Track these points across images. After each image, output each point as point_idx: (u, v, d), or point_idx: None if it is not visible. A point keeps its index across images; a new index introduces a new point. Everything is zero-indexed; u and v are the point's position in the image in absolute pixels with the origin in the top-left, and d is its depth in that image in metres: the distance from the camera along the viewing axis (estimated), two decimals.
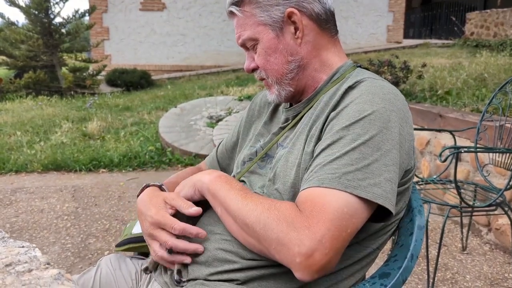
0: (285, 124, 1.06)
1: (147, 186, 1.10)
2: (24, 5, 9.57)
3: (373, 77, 0.95)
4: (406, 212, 1.03)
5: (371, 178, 0.82)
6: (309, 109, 1.00)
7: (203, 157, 4.62)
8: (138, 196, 1.09)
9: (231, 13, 1.03)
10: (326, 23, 1.01)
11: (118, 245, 1.19)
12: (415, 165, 0.97)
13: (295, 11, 0.97)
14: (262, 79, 1.05)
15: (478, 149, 2.54)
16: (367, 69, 1.07)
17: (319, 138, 0.91)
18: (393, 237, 1.16)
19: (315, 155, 0.88)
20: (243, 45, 1.04)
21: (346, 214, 0.79)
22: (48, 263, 0.68)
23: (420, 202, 1.06)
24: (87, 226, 3.25)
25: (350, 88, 0.93)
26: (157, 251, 0.96)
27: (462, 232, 2.86)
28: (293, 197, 0.92)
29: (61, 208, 3.60)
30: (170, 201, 0.98)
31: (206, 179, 0.98)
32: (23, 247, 0.73)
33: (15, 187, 4.17)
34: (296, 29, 0.98)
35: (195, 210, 0.95)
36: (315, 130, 0.93)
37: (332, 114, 0.90)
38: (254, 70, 1.05)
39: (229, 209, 0.90)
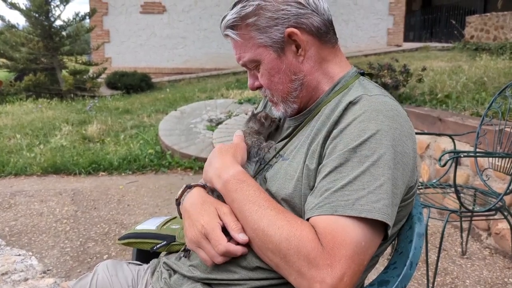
0: (287, 132, 1.06)
1: (189, 186, 1.04)
2: (24, 8, 9.59)
3: (375, 93, 0.93)
4: (406, 220, 1.03)
5: (385, 198, 0.82)
6: (311, 120, 0.99)
7: (203, 160, 4.61)
8: (177, 199, 1.03)
9: (228, 36, 1.01)
10: (326, 34, 0.99)
11: (119, 238, 1.21)
12: (418, 180, 0.96)
13: (295, 30, 0.95)
14: (266, 96, 1.06)
15: (477, 154, 2.53)
16: (370, 74, 1.06)
17: (321, 155, 0.90)
18: (393, 243, 1.16)
19: (321, 176, 0.87)
20: (244, 65, 1.03)
21: (363, 248, 0.81)
22: (44, 272, 0.67)
23: (420, 209, 1.05)
24: (86, 229, 3.24)
25: (352, 103, 0.90)
26: (205, 258, 0.94)
27: (461, 237, 2.85)
28: (290, 207, 0.91)
29: (60, 212, 3.60)
30: (221, 214, 0.94)
31: (219, 184, 0.96)
32: (19, 255, 0.72)
33: (14, 190, 4.17)
34: (297, 47, 0.97)
35: (242, 238, 0.89)
36: (316, 146, 0.91)
37: (335, 132, 0.89)
38: (258, 88, 1.04)
39: (246, 224, 0.89)
